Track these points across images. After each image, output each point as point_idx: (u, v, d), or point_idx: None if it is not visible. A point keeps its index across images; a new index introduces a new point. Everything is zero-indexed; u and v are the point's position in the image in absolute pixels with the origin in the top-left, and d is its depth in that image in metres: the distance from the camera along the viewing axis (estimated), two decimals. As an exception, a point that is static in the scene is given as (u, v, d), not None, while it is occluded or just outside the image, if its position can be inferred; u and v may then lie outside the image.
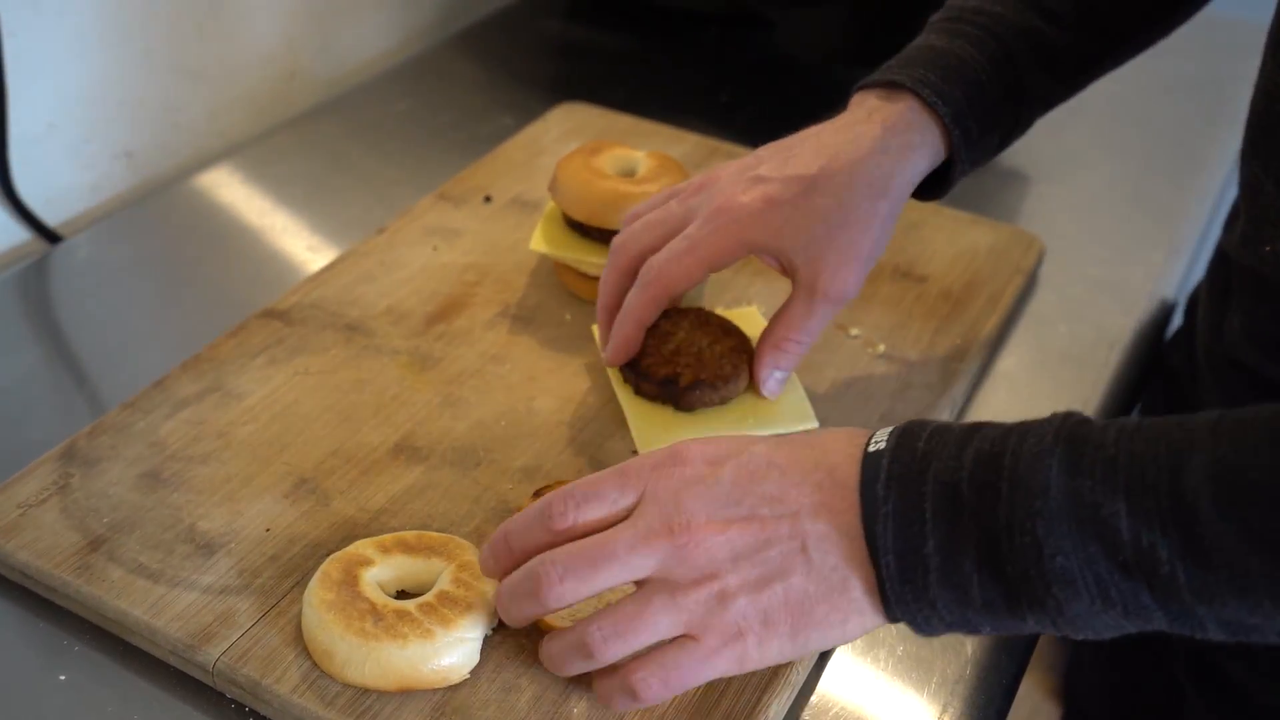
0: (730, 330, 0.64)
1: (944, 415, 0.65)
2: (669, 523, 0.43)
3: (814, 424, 0.62)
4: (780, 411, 0.63)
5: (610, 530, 0.45)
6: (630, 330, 0.61)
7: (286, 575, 0.54)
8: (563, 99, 0.94)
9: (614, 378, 0.64)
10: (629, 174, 0.73)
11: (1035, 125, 0.66)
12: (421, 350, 0.68)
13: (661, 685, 0.44)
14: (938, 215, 0.81)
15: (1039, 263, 0.80)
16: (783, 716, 0.51)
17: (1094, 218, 0.88)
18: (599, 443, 0.62)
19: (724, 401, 0.62)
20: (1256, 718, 0.62)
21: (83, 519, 0.56)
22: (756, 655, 0.44)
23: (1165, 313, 0.82)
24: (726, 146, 0.89)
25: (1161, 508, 0.37)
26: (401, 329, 0.69)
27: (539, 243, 0.71)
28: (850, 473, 0.43)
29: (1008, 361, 0.72)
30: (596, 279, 0.71)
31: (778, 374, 0.61)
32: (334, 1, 0.99)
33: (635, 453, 0.61)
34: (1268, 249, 0.56)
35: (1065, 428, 0.41)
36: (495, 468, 0.60)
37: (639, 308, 0.60)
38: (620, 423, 0.63)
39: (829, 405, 0.65)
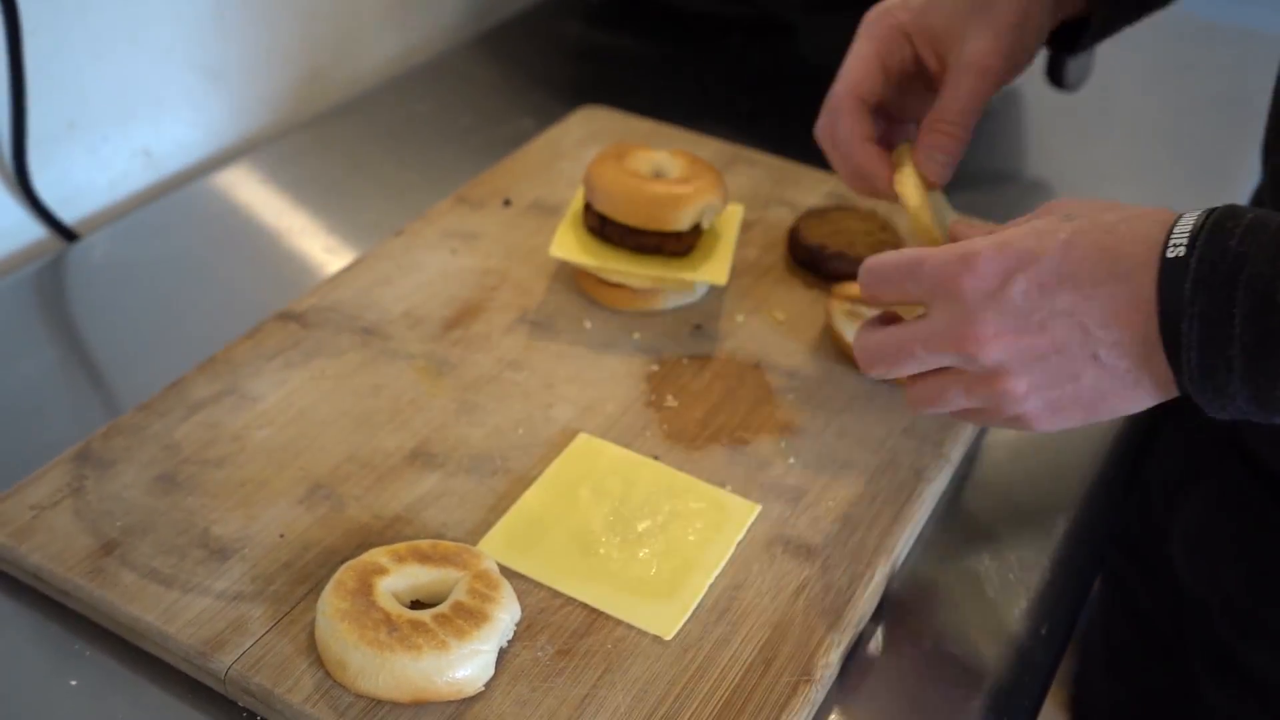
0: (888, 228, 0.75)
1: (967, 430, 0.64)
2: (959, 335, 0.47)
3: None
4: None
5: (911, 329, 0.49)
6: (862, 161, 0.64)
7: (300, 582, 0.53)
8: (582, 103, 0.93)
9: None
10: (662, 175, 0.72)
11: (1062, 137, 0.65)
12: (439, 355, 0.67)
13: (956, 408, 0.50)
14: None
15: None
16: (801, 735, 0.50)
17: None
18: (617, 452, 0.61)
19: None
20: (1271, 704, 0.61)
21: (96, 522, 0.55)
22: (1047, 426, 0.48)
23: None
24: (748, 153, 0.88)
25: None
26: (419, 333, 0.69)
27: (559, 249, 0.70)
28: (1146, 282, 0.43)
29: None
30: (616, 285, 0.70)
31: (938, 155, 0.62)
32: (355, 3, 0.99)
33: (656, 455, 0.61)
34: None
35: None
36: (511, 476, 0.59)
37: (849, 122, 0.64)
38: (636, 433, 0.63)
39: (848, 417, 0.64)
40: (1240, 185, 0.94)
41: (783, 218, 0.81)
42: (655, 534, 0.56)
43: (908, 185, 0.62)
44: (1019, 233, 0.47)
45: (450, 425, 0.62)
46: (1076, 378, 0.46)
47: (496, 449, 0.61)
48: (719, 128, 0.93)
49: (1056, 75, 0.80)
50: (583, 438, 0.61)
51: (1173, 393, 0.45)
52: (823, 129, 0.66)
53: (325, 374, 0.65)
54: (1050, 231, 0.46)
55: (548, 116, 0.93)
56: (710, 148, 0.88)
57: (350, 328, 0.68)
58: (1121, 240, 0.45)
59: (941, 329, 0.48)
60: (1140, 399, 0.46)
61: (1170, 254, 0.43)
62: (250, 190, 0.86)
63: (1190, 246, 0.43)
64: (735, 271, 0.75)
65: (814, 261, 0.74)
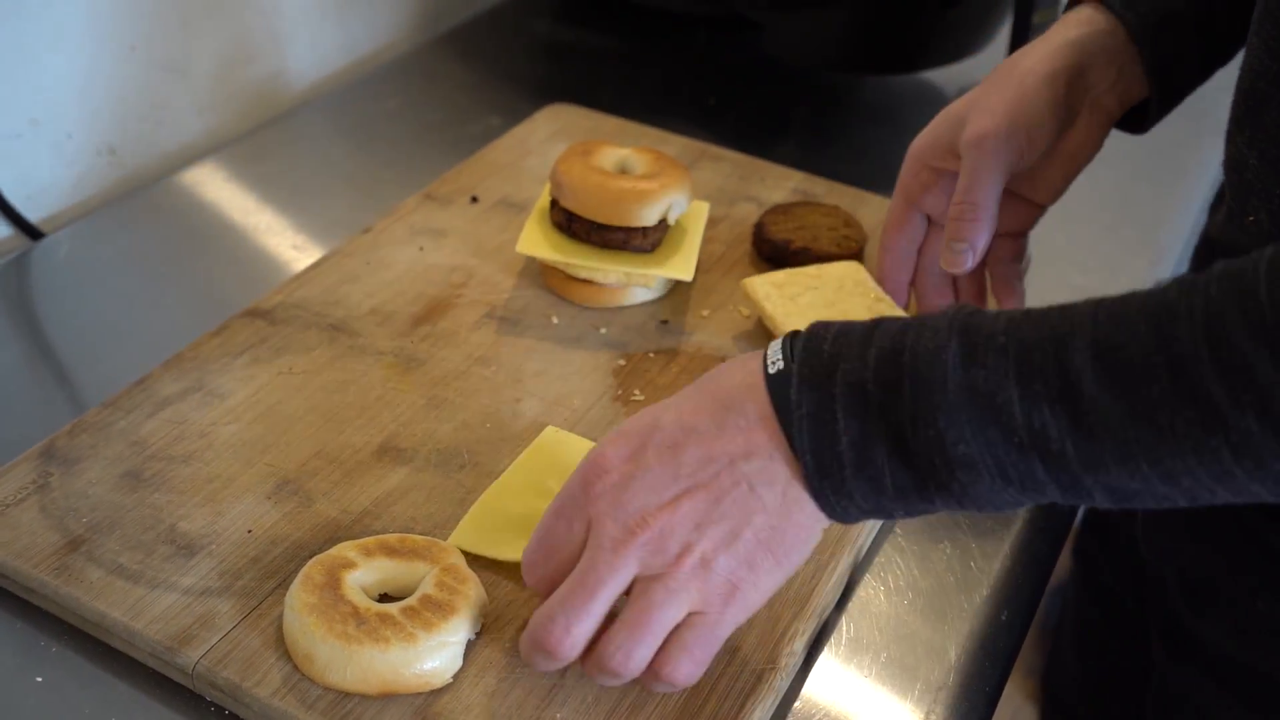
0: (852, 224, 0.76)
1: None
2: (626, 528, 0.45)
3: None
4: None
5: (583, 560, 0.46)
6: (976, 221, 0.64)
7: (268, 577, 0.53)
8: (550, 100, 0.93)
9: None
10: (628, 171, 0.73)
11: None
12: (406, 351, 0.67)
13: (692, 665, 0.46)
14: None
15: (1024, 269, 0.80)
16: (766, 722, 0.51)
17: (1079, 227, 0.89)
18: (584, 446, 0.62)
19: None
20: (1224, 678, 0.63)
21: (62, 519, 0.55)
22: (756, 597, 0.46)
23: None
24: (714, 149, 0.88)
25: (1050, 389, 0.40)
26: (386, 330, 0.69)
27: (526, 245, 0.71)
28: (759, 401, 0.45)
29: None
30: (583, 281, 0.71)
31: (956, 244, 0.63)
32: (320, 0, 0.99)
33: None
34: (1250, 219, 0.57)
35: (958, 320, 0.43)
36: (480, 470, 0.60)
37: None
38: (603, 427, 0.63)
39: (815, 410, 0.65)
40: (1195, 180, 0.95)
41: (748, 213, 0.82)
42: None
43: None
44: (626, 423, 0.48)
45: (418, 420, 0.63)
46: (749, 519, 0.45)
47: (464, 443, 0.61)
48: (685, 125, 0.93)
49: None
50: (550, 430, 0.62)
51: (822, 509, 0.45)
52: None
53: (293, 370, 0.65)
54: (655, 406, 0.48)
55: (515, 114, 0.93)
56: (677, 144, 0.89)
57: (318, 324, 0.69)
58: (724, 379, 0.47)
59: (610, 534, 0.45)
60: (808, 525, 0.45)
61: (772, 370, 0.45)
62: (216, 188, 0.86)
63: (789, 359, 0.45)
64: (701, 267, 0.75)
65: (779, 257, 0.74)
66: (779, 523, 0.45)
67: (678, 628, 0.46)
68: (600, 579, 0.45)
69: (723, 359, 0.68)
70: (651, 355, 0.68)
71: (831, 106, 1.02)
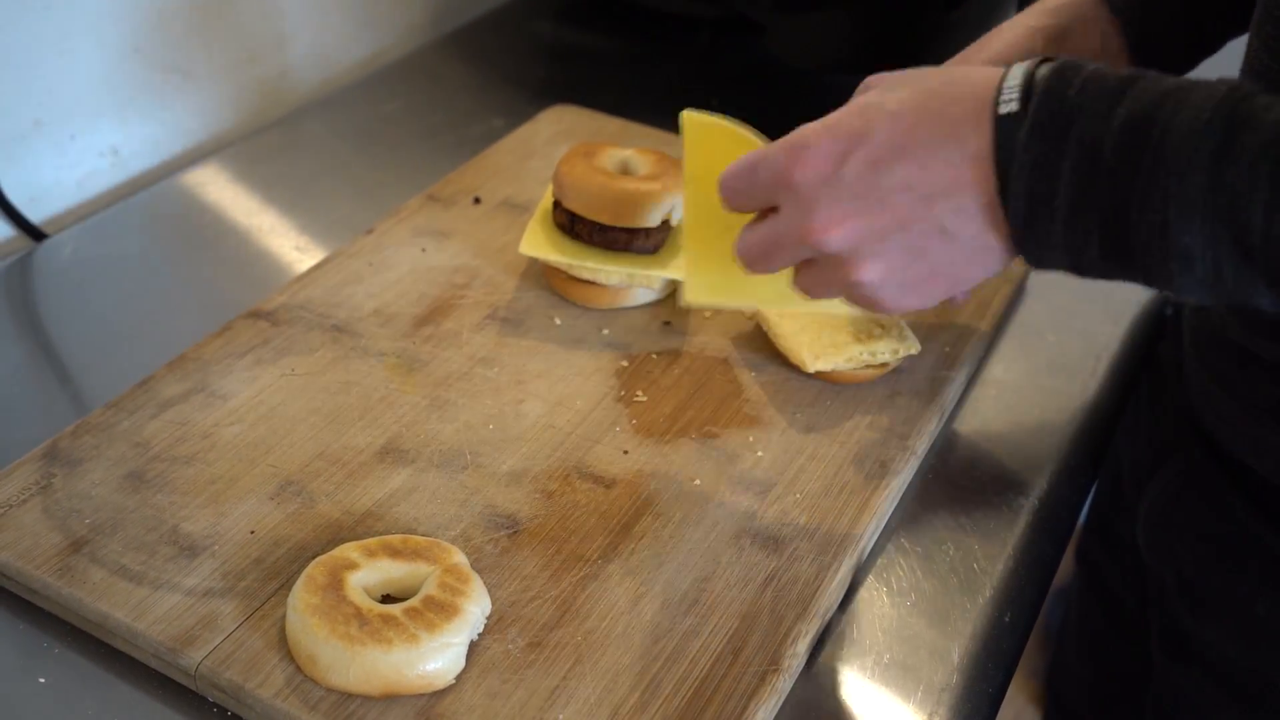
0: None
1: (932, 423, 0.65)
2: (804, 230, 0.46)
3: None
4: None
5: (768, 224, 0.48)
6: None
7: (270, 578, 0.53)
8: (553, 101, 0.94)
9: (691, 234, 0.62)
10: (630, 172, 0.73)
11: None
12: (409, 352, 0.67)
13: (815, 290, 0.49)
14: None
15: (1028, 272, 0.80)
16: (769, 724, 0.51)
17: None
18: (587, 447, 0.62)
19: None
20: (1224, 680, 0.63)
21: (64, 520, 0.55)
22: (905, 305, 0.48)
23: (1154, 322, 0.82)
24: (717, 151, 0.88)
25: None
26: (389, 331, 0.69)
27: (529, 246, 0.71)
28: (981, 137, 0.43)
29: (996, 370, 0.72)
30: (586, 282, 0.71)
31: None
32: (324, 2, 0.99)
33: (625, 450, 0.61)
34: None
35: (1227, 103, 0.40)
36: (482, 471, 0.60)
37: None
38: (606, 428, 0.63)
39: (815, 411, 0.65)
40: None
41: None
42: None
43: None
44: (845, 113, 0.46)
45: (421, 421, 0.63)
46: (924, 253, 0.45)
47: (467, 444, 0.61)
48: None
49: None
50: (688, 116, 0.56)
51: (1010, 252, 0.45)
52: None
53: (295, 371, 0.65)
54: (876, 105, 0.45)
55: (518, 115, 0.93)
56: (679, 146, 0.88)
57: (321, 325, 0.69)
58: (949, 102, 0.44)
59: (786, 225, 0.47)
60: (990, 263, 0.45)
61: (1003, 110, 0.43)
62: (219, 189, 0.86)
63: (1024, 99, 0.42)
64: (704, 268, 0.75)
65: None
66: (960, 259, 0.45)
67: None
68: (769, 254, 0.48)
69: (725, 360, 0.68)
70: (654, 356, 0.68)
71: (834, 107, 1.02)
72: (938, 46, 1.02)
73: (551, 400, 0.65)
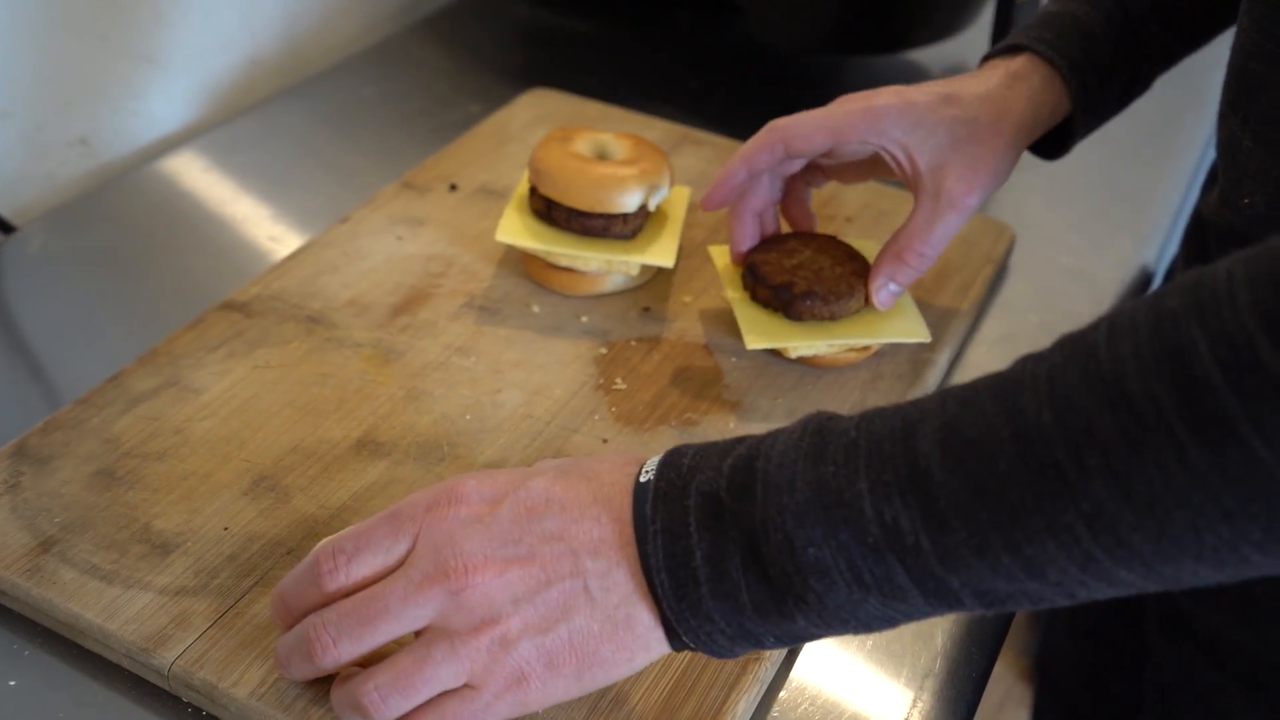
0: (855, 257, 0.67)
1: (914, 406, 0.64)
2: (444, 567, 0.42)
3: (927, 337, 0.65)
4: (892, 324, 0.65)
5: (384, 581, 0.42)
6: (731, 167, 0.64)
7: (244, 575, 0.52)
8: (530, 86, 0.92)
9: (729, 282, 0.68)
10: (607, 157, 0.72)
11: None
12: (385, 343, 0.66)
13: None
14: (907, 203, 0.80)
15: (1009, 251, 0.79)
16: (751, 712, 0.50)
17: (1065, 205, 0.88)
18: (566, 436, 0.61)
19: (833, 317, 0.65)
20: (1221, 662, 0.63)
21: (33, 519, 0.54)
22: (539, 698, 0.42)
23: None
24: (696, 133, 0.87)
25: (900, 478, 0.38)
26: (365, 321, 0.68)
27: (505, 233, 0.70)
28: (624, 505, 0.43)
29: (978, 351, 0.72)
30: (564, 269, 0.70)
31: (892, 286, 0.63)
32: (296, -14, 0.97)
33: (605, 439, 0.61)
34: (1246, 201, 0.57)
35: (813, 423, 0.41)
36: (460, 463, 0.59)
37: (749, 146, 0.63)
38: (585, 416, 0.62)
39: (796, 395, 0.64)
40: (1182, 157, 0.95)
41: (731, 198, 0.81)
42: None
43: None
44: (504, 472, 0.45)
45: (397, 413, 0.62)
46: (569, 615, 0.41)
47: (444, 435, 0.61)
48: (667, 109, 0.92)
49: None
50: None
51: (663, 643, 0.42)
52: (742, 151, 0.65)
53: (269, 364, 0.64)
54: (539, 468, 0.45)
55: (495, 100, 0.92)
56: (658, 129, 0.88)
57: (295, 316, 0.68)
58: (606, 467, 0.44)
59: (425, 566, 0.42)
60: (634, 648, 0.42)
61: (642, 479, 0.43)
62: (192, 179, 0.84)
63: (656, 466, 0.43)
64: (683, 253, 0.75)
65: (783, 304, 0.65)
66: (600, 633, 0.41)
67: (445, 694, 0.42)
68: (389, 608, 0.42)
69: (705, 346, 0.68)
70: (633, 343, 0.68)
71: (815, 88, 1.01)
72: (919, 25, 1.01)
73: (529, 389, 0.64)
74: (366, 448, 0.60)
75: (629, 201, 0.68)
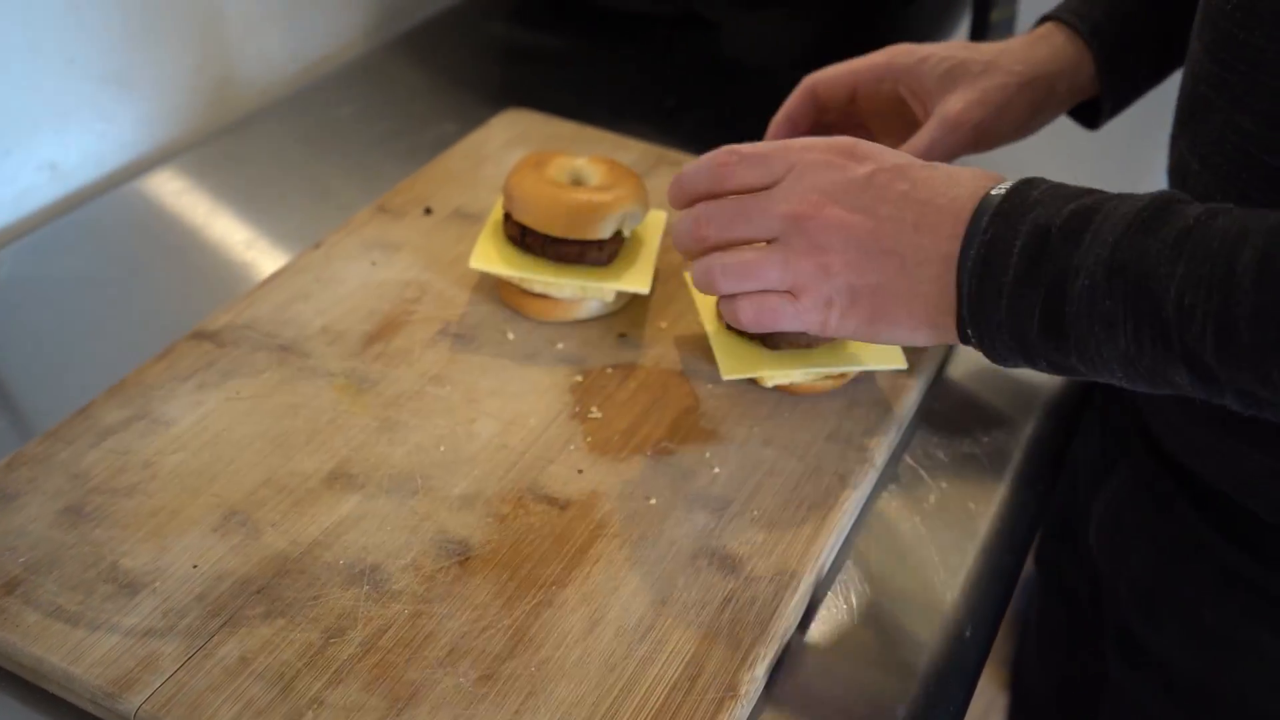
0: None
1: (891, 433, 0.64)
2: (803, 198, 0.49)
3: (903, 365, 0.65)
4: (868, 352, 0.65)
5: (754, 195, 0.51)
6: (774, 129, 0.70)
7: (213, 615, 0.52)
8: (507, 104, 0.92)
9: (704, 310, 0.68)
10: (582, 182, 0.72)
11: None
12: (358, 372, 0.66)
13: (755, 315, 0.52)
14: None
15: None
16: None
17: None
18: (541, 466, 0.61)
19: (810, 345, 0.64)
20: (1172, 687, 0.63)
21: (-2, 559, 0.53)
22: (837, 326, 0.51)
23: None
24: (673, 154, 0.87)
25: (1214, 275, 0.41)
26: (338, 349, 0.67)
27: (479, 260, 0.69)
28: (967, 206, 0.48)
29: (957, 369, 0.72)
30: (539, 296, 0.69)
31: None
32: (269, 5, 0.97)
33: (580, 469, 0.60)
34: None
35: (1161, 198, 0.44)
36: (434, 496, 0.58)
37: (785, 104, 0.69)
38: (560, 446, 0.62)
39: (772, 424, 0.64)
40: (1156, 171, 0.95)
41: (708, 220, 0.80)
42: None
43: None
44: (851, 140, 0.52)
45: (370, 444, 0.61)
46: (883, 273, 0.49)
47: (418, 467, 0.60)
48: (644, 127, 0.92)
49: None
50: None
51: (950, 330, 0.49)
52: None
53: (241, 395, 0.63)
54: (882, 149, 0.51)
55: (470, 120, 0.92)
56: (634, 150, 0.87)
57: (267, 345, 0.67)
58: (964, 174, 0.49)
59: (788, 194, 0.50)
60: (922, 321, 0.49)
61: (993, 192, 0.47)
62: (163, 202, 0.84)
63: (1007, 193, 0.47)
64: (659, 278, 0.74)
65: (760, 333, 0.60)
66: (902, 292, 0.48)
67: (769, 291, 0.51)
68: (751, 215, 0.51)
69: (681, 373, 0.67)
70: (609, 370, 0.67)
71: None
72: (893, 42, 1.01)
73: (504, 419, 0.63)
74: (339, 481, 0.59)
75: (604, 228, 0.68)
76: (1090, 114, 0.69)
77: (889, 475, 0.64)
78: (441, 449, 0.61)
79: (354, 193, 0.84)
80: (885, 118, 0.69)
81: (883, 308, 0.50)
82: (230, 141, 0.90)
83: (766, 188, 0.52)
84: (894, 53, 0.67)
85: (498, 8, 1.13)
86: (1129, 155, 0.97)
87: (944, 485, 0.64)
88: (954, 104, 0.63)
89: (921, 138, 0.64)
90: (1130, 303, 0.43)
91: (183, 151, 0.89)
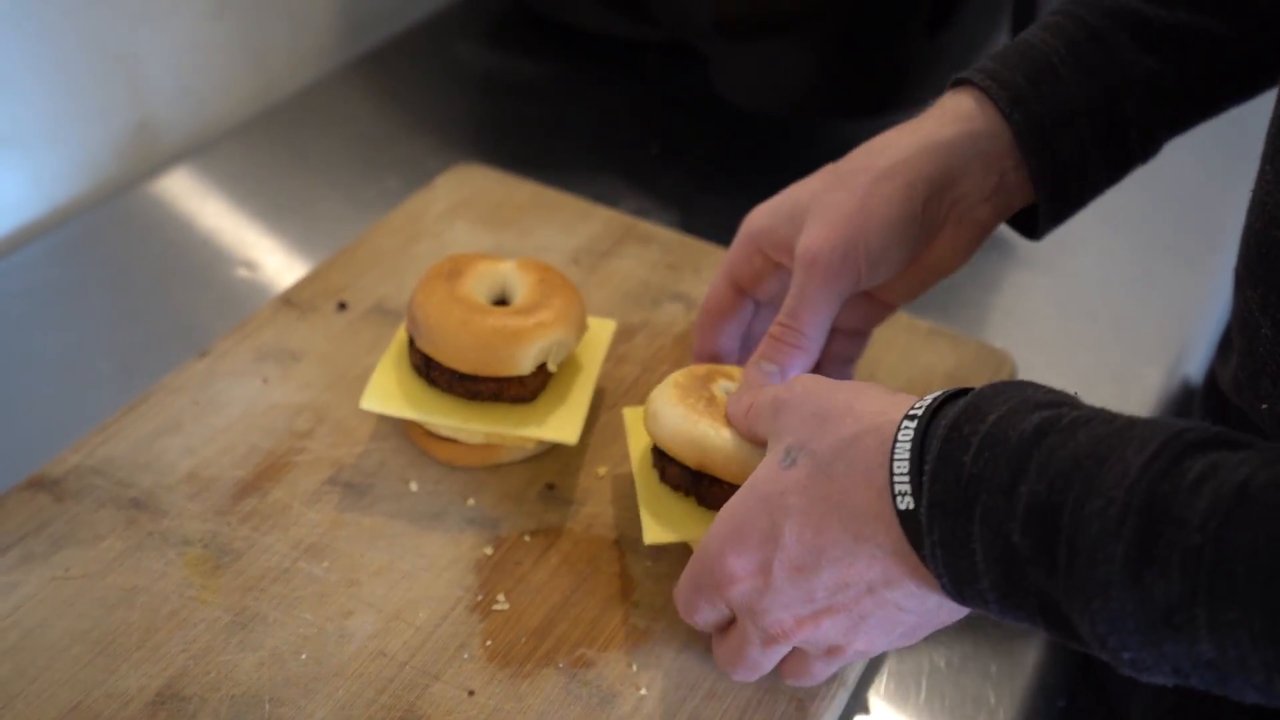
0: None
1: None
2: (769, 634, 0.44)
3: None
4: None
5: (741, 646, 0.46)
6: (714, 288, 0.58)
7: None
8: (468, 142, 0.79)
9: (636, 459, 0.55)
10: (505, 298, 0.59)
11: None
12: (220, 539, 0.54)
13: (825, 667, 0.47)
14: (889, 326, 0.67)
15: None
16: None
17: (1082, 320, 0.74)
18: (422, 686, 0.49)
19: None
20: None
21: None
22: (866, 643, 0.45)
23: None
24: (644, 226, 0.74)
25: (1250, 624, 0.31)
26: (201, 505, 0.56)
27: (373, 398, 0.57)
28: (891, 535, 0.40)
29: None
30: (449, 440, 0.57)
31: (766, 365, 0.52)
32: (192, 34, 0.84)
33: (471, 690, 0.48)
34: (1264, 407, 0.46)
35: (1141, 487, 0.33)
36: (282, 728, 0.47)
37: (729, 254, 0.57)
38: (452, 654, 0.50)
39: (723, 625, 0.51)
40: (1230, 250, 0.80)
41: (674, 319, 0.67)
42: None
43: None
44: (745, 508, 0.44)
45: (216, 650, 0.50)
46: (895, 627, 0.44)
47: (269, 686, 0.48)
48: (623, 177, 0.80)
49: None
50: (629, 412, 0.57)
51: (956, 610, 0.44)
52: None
53: (70, 573, 0.52)
54: (777, 498, 0.43)
55: (420, 171, 0.80)
56: (599, 220, 0.74)
57: (116, 500, 0.55)
58: (848, 490, 0.41)
59: (758, 634, 0.45)
60: (941, 621, 0.44)
61: (900, 506, 0.39)
62: (49, 276, 0.72)
63: (916, 489, 0.39)
64: (604, 402, 0.62)
65: (694, 488, 0.52)
66: (925, 621, 0.44)
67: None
68: (756, 663, 0.46)
69: (616, 542, 0.55)
70: (527, 539, 0.55)
71: (798, 155, 0.87)
72: (919, 79, 0.86)
73: (387, 611, 0.52)
74: (166, 705, 0.47)
75: (523, 362, 0.55)
76: (1030, 220, 0.55)
77: (858, 695, 0.51)
78: (303, 657, 0.49)
79: (273, 262, 0.72)
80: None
81: (922, 631, 0.45)
82: (138, 201, 0.79)
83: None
84: (749, 221, 0.55)
85: (475, 25, 1.00)
86: (1199, 247, 0.81)
87: (947, 693, 0.51)
88: (806, 237, 0.51)
89: (788, 302, 0.52)
90: (1157, 652, 0.34)
91: (81, 214, 0.77)
